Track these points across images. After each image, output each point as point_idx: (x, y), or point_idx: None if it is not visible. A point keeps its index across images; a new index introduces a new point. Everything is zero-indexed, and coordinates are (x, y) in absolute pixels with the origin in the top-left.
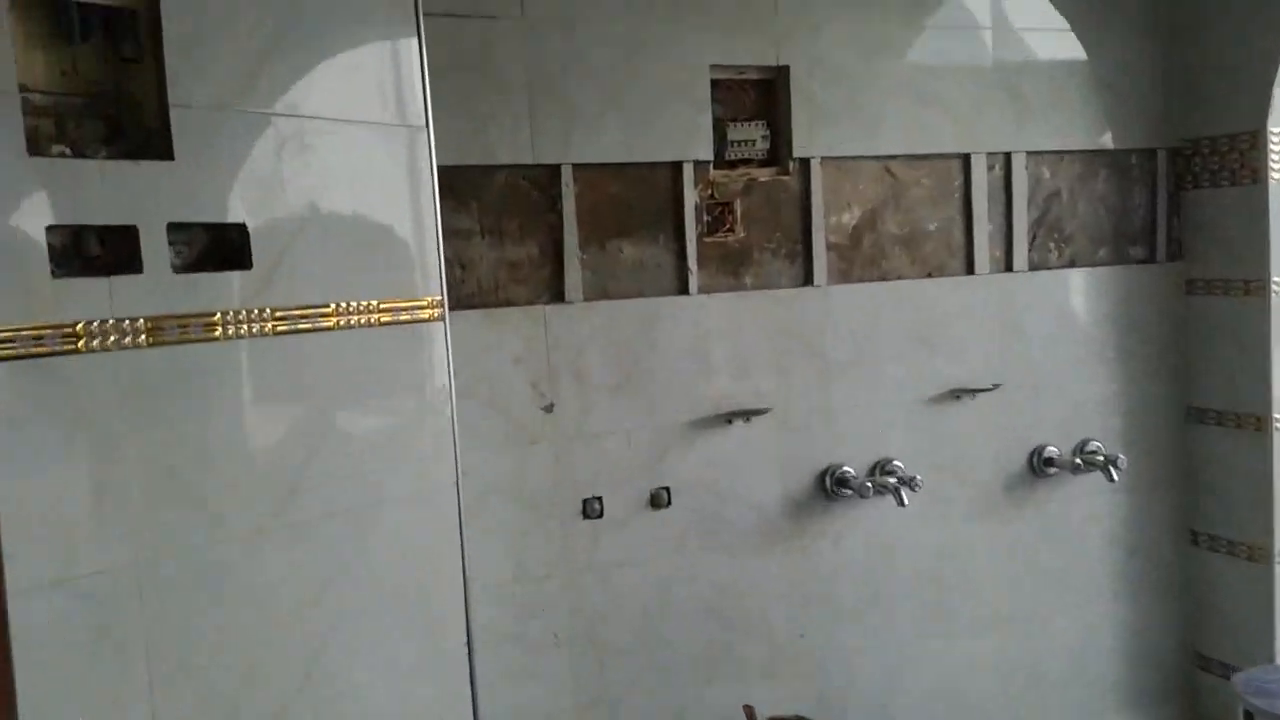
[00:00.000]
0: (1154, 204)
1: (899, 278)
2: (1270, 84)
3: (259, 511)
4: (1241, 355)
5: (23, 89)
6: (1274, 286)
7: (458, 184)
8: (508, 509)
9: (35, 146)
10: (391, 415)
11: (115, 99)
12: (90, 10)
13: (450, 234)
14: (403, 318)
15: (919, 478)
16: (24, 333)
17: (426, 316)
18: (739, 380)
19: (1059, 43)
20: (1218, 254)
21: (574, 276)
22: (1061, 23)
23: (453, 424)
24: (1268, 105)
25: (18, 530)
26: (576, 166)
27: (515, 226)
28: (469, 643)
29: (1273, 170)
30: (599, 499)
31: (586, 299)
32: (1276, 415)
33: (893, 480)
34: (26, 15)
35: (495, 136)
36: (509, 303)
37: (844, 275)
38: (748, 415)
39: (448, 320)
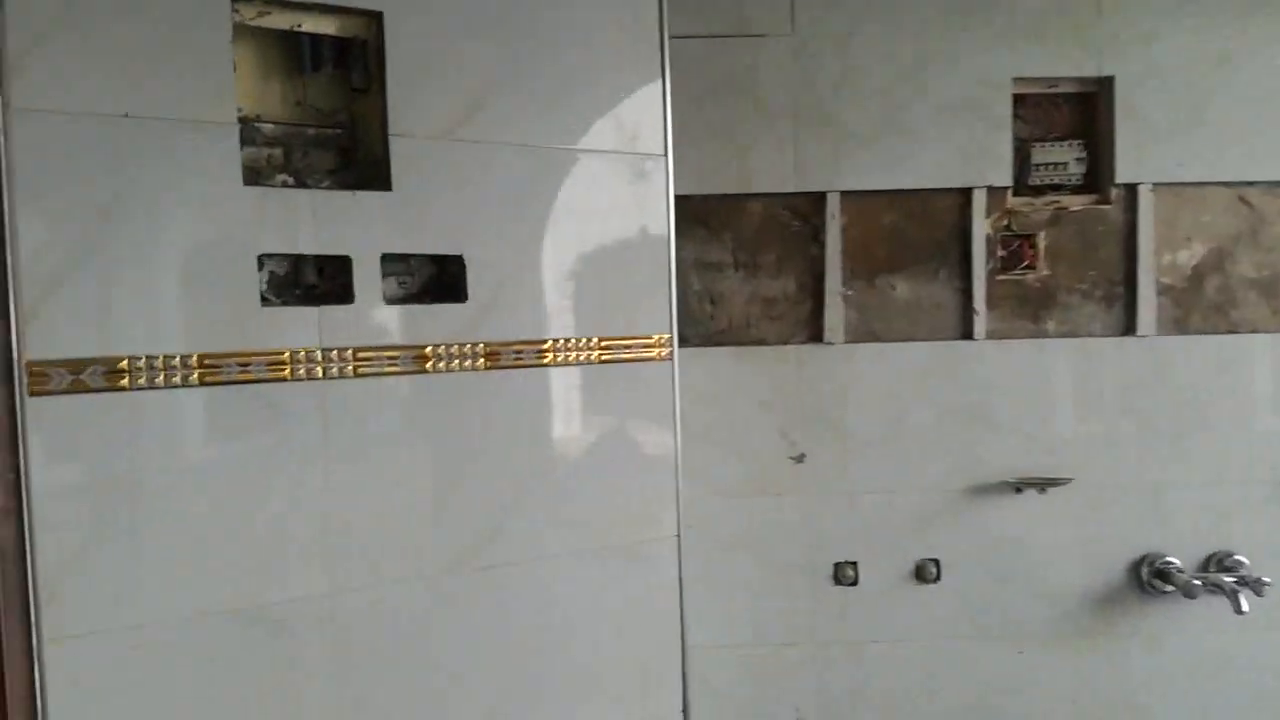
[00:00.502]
0: None
1: (1254, 330)
2: None
3: (456, 552)
4: None
5: (256, 119)
6: None
7: (712, 214)
8: (748, 566)
9: (257, 176)
10: (608, 459)
11: (347, 129)
12: (322, 40)
13: (702, 267)
14: (624, 356)
15: (1267, 579)
16: (230, 360)
17: (654, 355)
18: (1031, 443)
19: None
20: None
21: (835, 315)
22: None
23: (676, 472)
24: None
25: (212, 550)
26: (844, 194)
27: (772, 259)
28: (685, 710)
29: None
30: (853, 564)
31: (849, 340)
32: None
33: (1230, 580)
34: (262, 46)
35: (756, 163)
36: (761, 341)
37: (1178, 324)
38: (1042, 485)
39: (677, 359)
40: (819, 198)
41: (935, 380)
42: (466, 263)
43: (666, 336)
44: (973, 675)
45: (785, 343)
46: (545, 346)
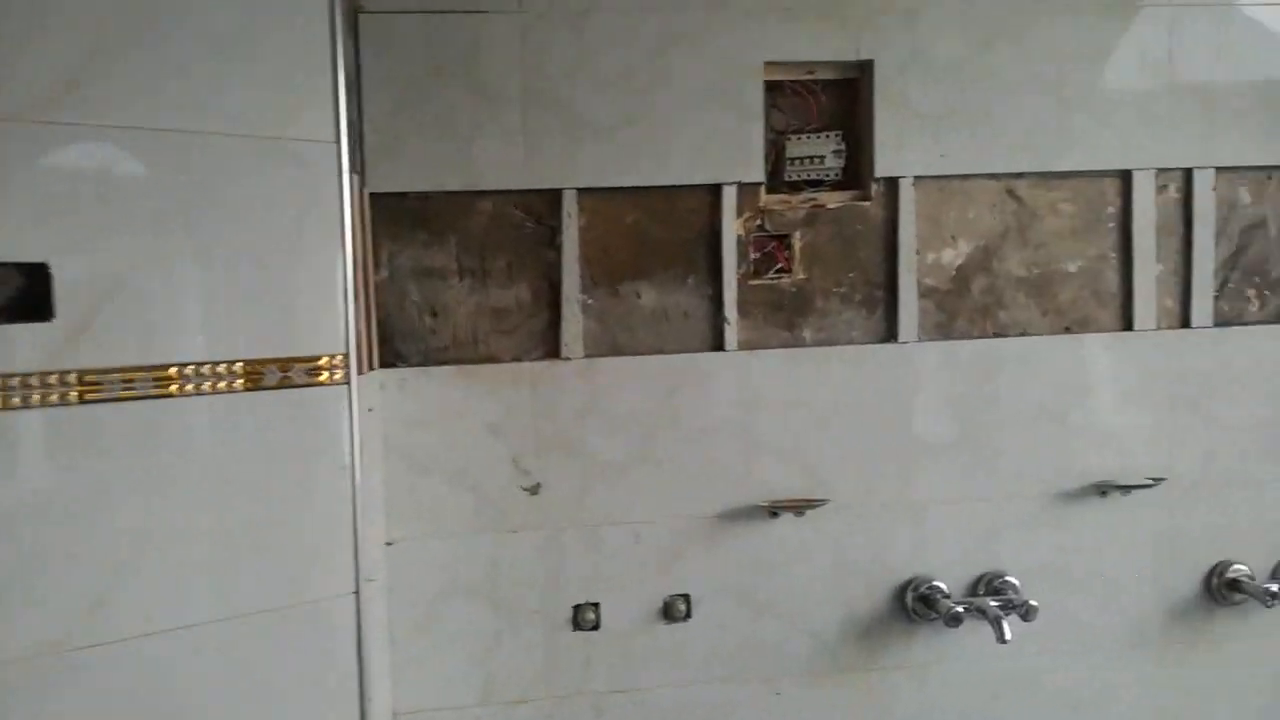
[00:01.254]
0: None
1: (1023, 333)
2: None
3: (41, 636)
4: None
5: None
6: None
7: (434, 214)
8: (474, 615)
9: None
10: (256, 502)
11: None
12: None
13: (422, 275)
14: (282, 381)
15: (1034, 603)
16: None
17: (323, 380)
18: (790, 462)
19: (1273, 17)
20: None
21: (573, 327)
22: None
23: (354, 517)
24: None
25: None
26: (582, 191)
27: (503, 265)
28: None
29: None
30: (595, 606)
31: (589, 354)
32: None
33: (995, 604)
34: None
35: (482, 157)
36: (491, 358)
37: (943, 329)
38: (800, 508)
39: (355, 383)
40: (554, 195)
41: (685, 397)
42: (52, 272)
43: (340, 356)
44: None
45: (518, 359)
46: (168, 374)
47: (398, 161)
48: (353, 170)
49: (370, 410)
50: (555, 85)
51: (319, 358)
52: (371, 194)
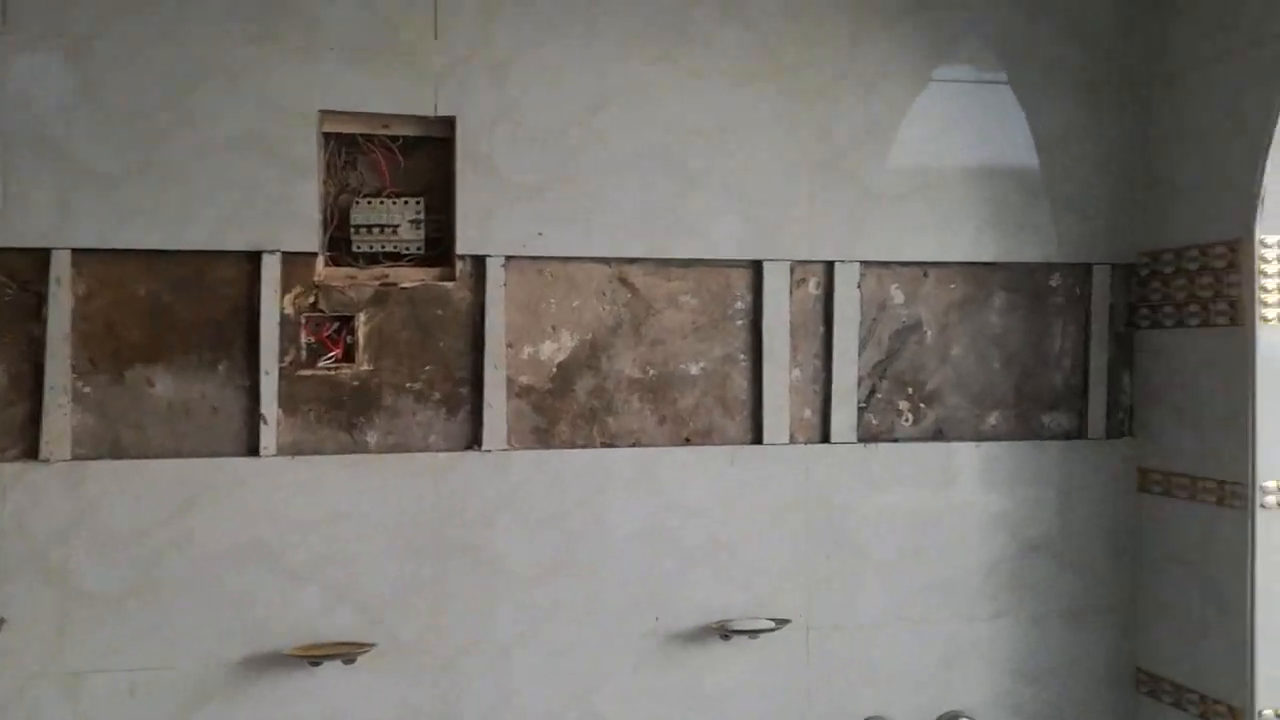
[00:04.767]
0: (1087, 349)
1: (636, 443)
2: (1261, 164)
3: None
4: (1206, 600)
5: None
6: (1264, 495)
7: None
8: None
9: None
10: None
11: None
12: None
13: None
14: None
15: None
16: None
17: None
18: (341, 597)
19: (940, 101)
20: (1184, 433)
21: (58, 421)
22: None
23: None
24: (1256, 200)
25: None
26: (80, 253)
27: None
28: None
29: (1264, 304)
30: None
31: (80, 456)
32: (1263, 708)
33: None
34: None
35: None
36: None
37: (541, 436)
38: (349, 654)
39: None
40: (41, 256)
41: (205, 511)
42: None
43: None
44: None
45: None
46: None
47: None
48: None
49: None
50: (44, 121)
51: None
52: None
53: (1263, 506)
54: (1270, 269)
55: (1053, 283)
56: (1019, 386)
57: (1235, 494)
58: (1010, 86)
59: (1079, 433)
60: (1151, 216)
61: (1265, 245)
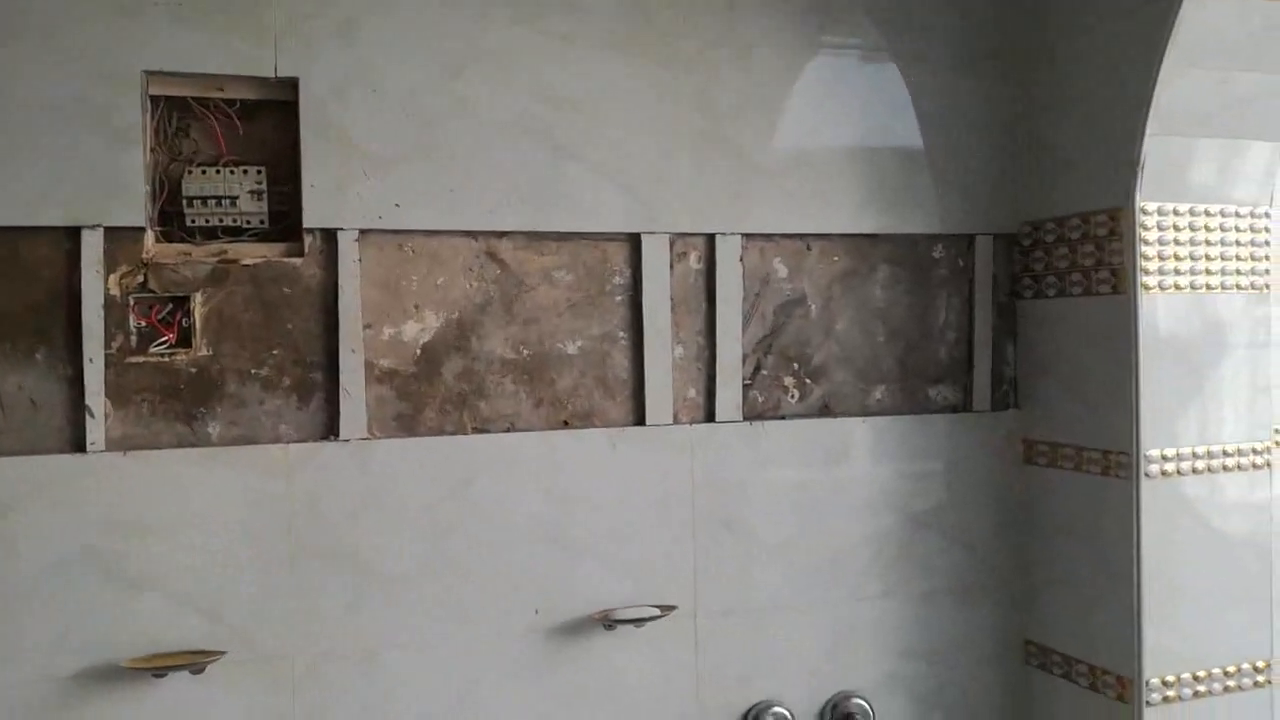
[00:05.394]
0: (971, 321)
1: (511, 428)
2: (1140, 132)
3: None
4: (1095, 571)
5: None
6: (1148, 464)
7: None
8: None
9: None
10: None
11: None
12: None
13: None
14: None
15: None
16: None
17: None
18: (187, 604)
19: (826, 73)
20: (1068, 404)
21: None
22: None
23: None
24: (1136, 167)
25: None
26: None
27: None
28: None
29: (1145, 273)
30: None
31: None
32: (1150, 677)
33: None
34: None
35: None
36: None
37: (405, 424)
38: (196, 664)
39: None
40: None
41: (25, 517)
42: None
43: None
44: None
45: None
46: None
47: None
48: None
49: None
50: None
51: None
52: None
53: (1147, 475)
54: (1150, 236)
55: (936, 254)
56: (904, 360)
57: (1120, 464)
58: (892, 57)
59: (965, 405)
60: (1034, 186)
61: (1145, 213)
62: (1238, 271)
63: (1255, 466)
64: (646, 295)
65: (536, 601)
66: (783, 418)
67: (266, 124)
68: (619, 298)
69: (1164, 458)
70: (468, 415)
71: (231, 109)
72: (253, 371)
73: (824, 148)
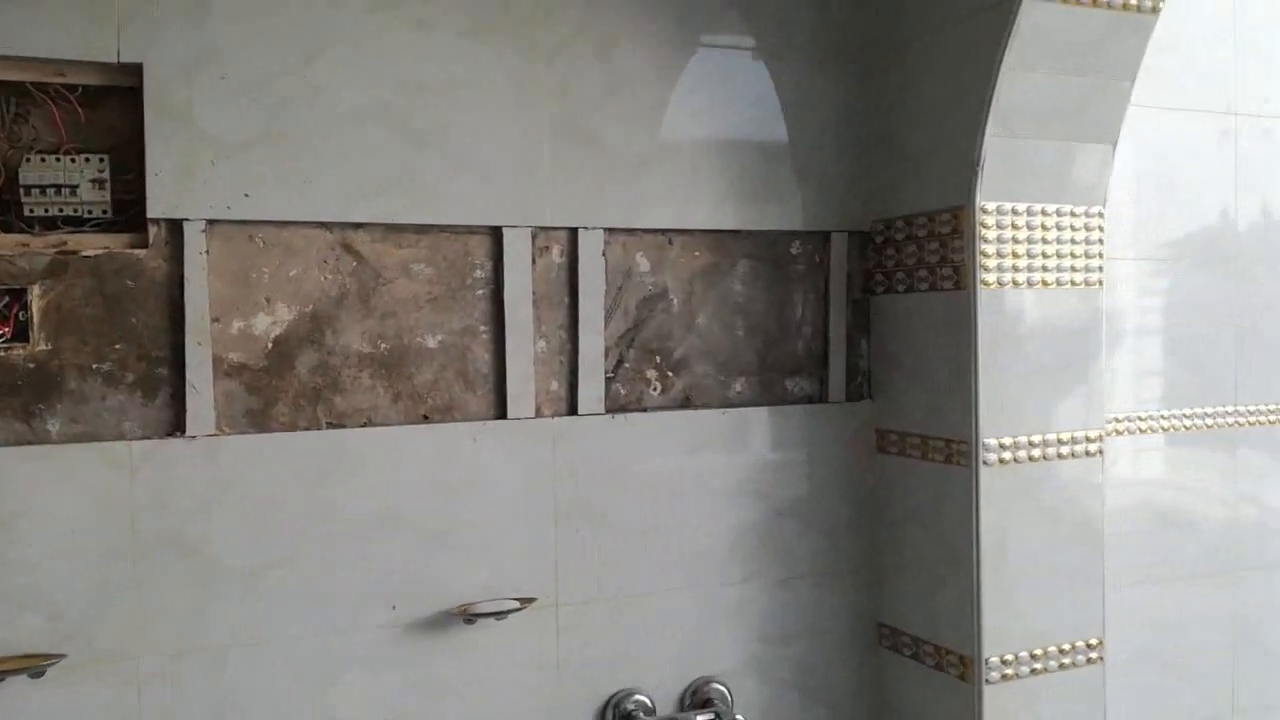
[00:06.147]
0: (826, 316)
1: (368, 423)
2: (980, 132)
3: None
4: (940, 555)
5: None
6: (986, 452)
7: None
8: None
9: None
10: None
11: None
12: None
13: None
14: None
15: None
16: None
17: None
18: (24, 605)
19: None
20: (916, 395)
21: None
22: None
23: None
24: (976, 167)
25: None
26: None
27: None
28: None
29: (984, 269)
30: None
31: None
32: (989, 655)
33: None
34: None
35: None
36: None
37: (256, 420)
38: (35, 667)
39: None
40: None
41: None
42: None
43: None
44: None
45: None
46: None
47: None
48: None
49: None
50: None
51: None
52: None
53: (985, 463)
54: (990, 234)
55: (794, 250)
56: (763, 353)
57: (961, 452)
58: (755, 51)
59: (821, 397)
60: (885, 184)
61: (985, 211)
62: (1073, 268)
63: (1089, 454)
64: (508, 289)
65: (394, 597)
66: (645, 410)
67: (111, 111)
68: (480, 291)
69: (1001, 446)
70: (322, 410)
71: (73, 95)
72: (95, 367)
73: (687, 141)
